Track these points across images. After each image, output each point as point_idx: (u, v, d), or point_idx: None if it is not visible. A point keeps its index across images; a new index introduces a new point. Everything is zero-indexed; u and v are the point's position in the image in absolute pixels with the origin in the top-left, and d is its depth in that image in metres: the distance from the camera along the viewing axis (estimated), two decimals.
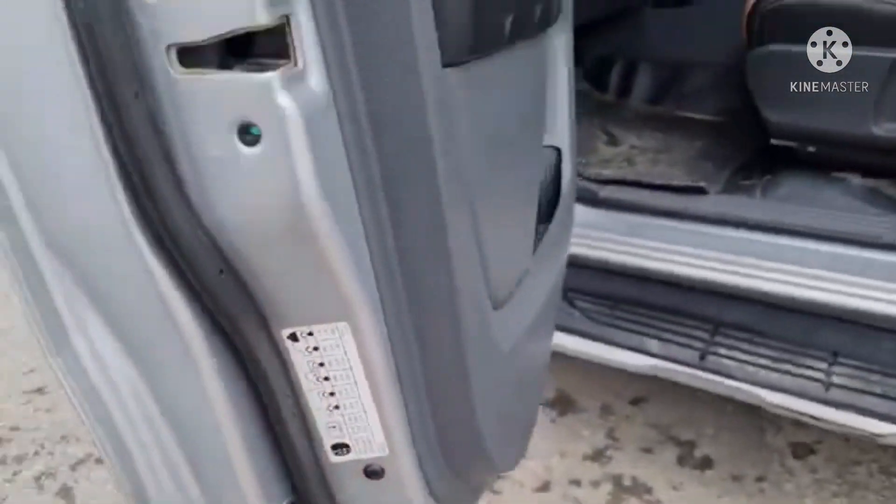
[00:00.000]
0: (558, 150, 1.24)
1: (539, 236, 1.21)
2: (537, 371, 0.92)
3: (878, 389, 1.28)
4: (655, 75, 2.12)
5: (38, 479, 1.74)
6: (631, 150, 1.89)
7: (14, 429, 1.92)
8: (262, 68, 0.41)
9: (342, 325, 0.50)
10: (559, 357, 1.57)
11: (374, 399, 0.54)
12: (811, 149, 1.47)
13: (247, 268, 0.46)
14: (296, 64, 0.42)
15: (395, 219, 0.49)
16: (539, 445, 1.77)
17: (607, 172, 1.76)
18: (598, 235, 1.55)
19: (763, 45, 1.42)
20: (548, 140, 1.26)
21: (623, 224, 1.55)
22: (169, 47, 0.40)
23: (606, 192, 1.60)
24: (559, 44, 1.28)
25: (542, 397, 1.92)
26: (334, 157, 0.45)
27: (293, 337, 0.51)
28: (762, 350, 1.38)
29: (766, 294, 1.38)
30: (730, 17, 1.62)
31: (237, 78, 0.41)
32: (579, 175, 1.68)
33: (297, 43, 0.42)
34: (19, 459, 1.80)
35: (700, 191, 1.53)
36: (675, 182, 1.57)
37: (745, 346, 1.40)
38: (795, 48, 1.37)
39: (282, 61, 0.42)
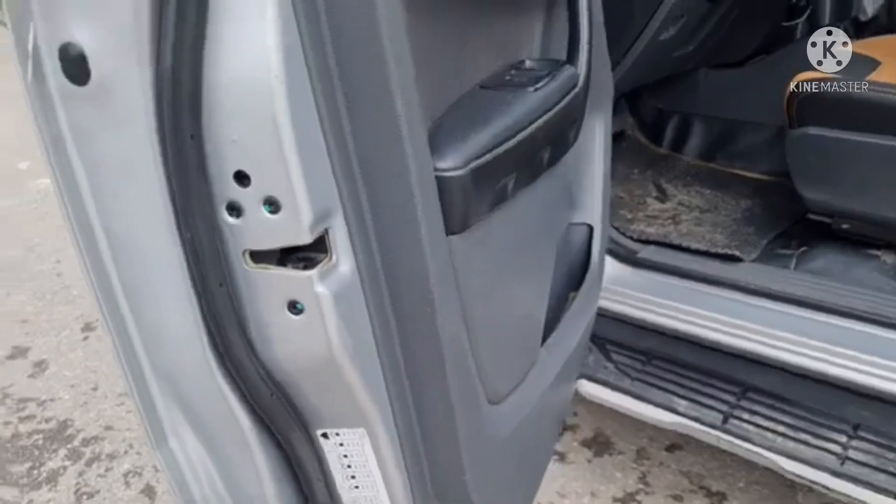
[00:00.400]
0: (590, 228, 1.36)
1: (567, 304, 1.33)
2: (542, 442, 1.05)
3: (893, 468, 1.33)
4: (709, 131, 2.18)
5: (126, 476, 1.98)
6: (678, 208, 1.98)
7: (108, 428, 2.17)
8: (307, 264, 0.58)
9: (361, 430, 0.66)
10: None
11: (385, 483, 0.69)
12: (845, 225, 1.52)
13: (292, 392, 0.63)
14: (331, 259, 0.59)
15: (405, 355, 0.65)
16: (573, 484, 1.88)
17: (651, 230, 1.86)
18: (634, 294, 1.64)
19: (801, 126, 1.49)
20: (581, 217, 1.38)
21: (659, 285, 1.64)
22: (244, 251, 0.57)
23: (646, 252, 1.70)
24: (597, 128, 1.39)
25: (580, 437, 2.02)
26: (358, 316, 0.61)
27: (325, 435, 0.67)
28: (784, 417, 1.45)
29: (791, 366, 1.45)
30: (785, 79, 1.69)
31: (289, 273, 0.58)
32: (622, 233, 1.78)
33: (332, 244, 0.59)
34: (111, 457, 2.05)
35: (735, 259, 1.61)
36: (713, 249, 1.65)
37: (768, 412, 1.47)
38: (831, 133, 1.44)
39: (321, 256, 0.59)
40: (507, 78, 0.85)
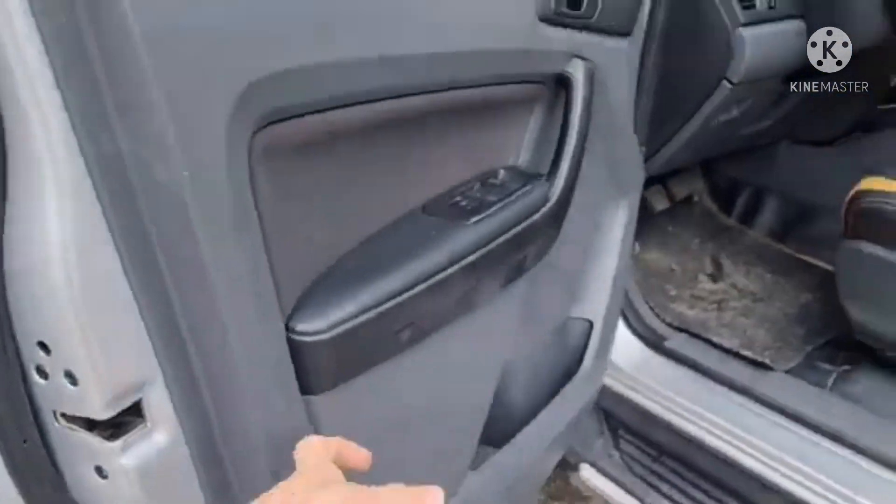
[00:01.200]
0: (590, 323, 1.28)
1: (543, 406, 1.26)
2: None
3: None
4: (783, 210, 2.01)
5: None
6: (729, 291, 1.84)
7: None
8: (114, 431, 0.56)
9: None
10: None
11: None
12: (891, 353, 1.36)
13: None
14: (146, 426, 0.57)
15: None
16: None
17: (690, 313, 1.74)
18: (652, 385, 1.54)
19: (856, 238, 1.34)
20: (582, 311, 1.31)
21: (681, 380, 1.52)
22: (54, 410, 0.56)
23: (674, 341, 1.58)
24: (618, 218, 1.30)
25: None
26: (180, 483, 0.59)
27: None
28: None
29: (803, 502, 1.31)
30: (871, 167, 1.53)
31: (94, 440, 0.56)
32: (657, 314, 1.67)
33: (147, 412, 0.57)
34: None
35: (767, 367, 1.47)
36: (745, 351, 1.52)
37: None
38: (886, 254, 1.28)
39: (138, 421, 0.57)
40: (455, 200, 0.80)
